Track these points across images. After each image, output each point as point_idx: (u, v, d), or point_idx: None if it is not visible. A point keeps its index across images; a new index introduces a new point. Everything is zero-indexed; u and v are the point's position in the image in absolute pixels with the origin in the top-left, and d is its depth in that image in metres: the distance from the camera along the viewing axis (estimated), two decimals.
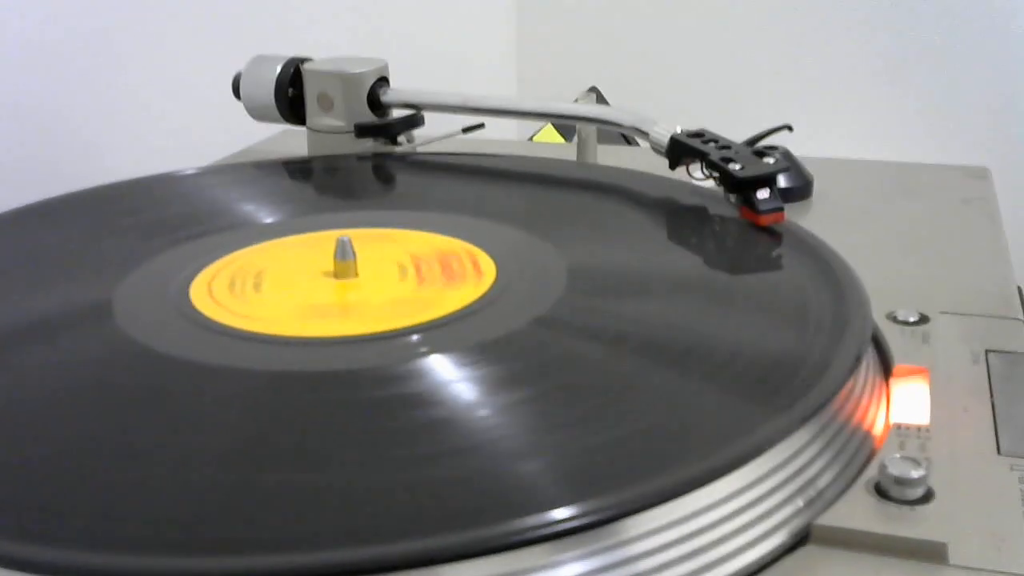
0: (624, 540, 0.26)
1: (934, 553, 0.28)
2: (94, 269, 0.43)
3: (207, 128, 0.77)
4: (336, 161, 0.59)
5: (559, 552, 0.25)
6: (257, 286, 0.41)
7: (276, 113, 0.62)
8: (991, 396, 0.35)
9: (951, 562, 0.27)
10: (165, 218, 0.49)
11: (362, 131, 0.60)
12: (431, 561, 0.24)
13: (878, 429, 0.33)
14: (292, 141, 0.70)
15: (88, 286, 0.41)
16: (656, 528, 0.26)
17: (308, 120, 0.62)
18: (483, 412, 0.31)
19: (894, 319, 0.40)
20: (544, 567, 0.25)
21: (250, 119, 0.64)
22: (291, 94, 0.61)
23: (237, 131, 0.69)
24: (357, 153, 0.59)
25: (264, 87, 0.61)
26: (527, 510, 0.26)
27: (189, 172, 0.56)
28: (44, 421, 0.32)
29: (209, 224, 0.48)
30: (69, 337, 0.37)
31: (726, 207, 0.47)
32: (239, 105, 0.63)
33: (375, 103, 0.60)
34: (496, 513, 0.26)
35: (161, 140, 0.76)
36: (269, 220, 0.50)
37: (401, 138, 0.62)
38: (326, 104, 0.60)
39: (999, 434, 0.33)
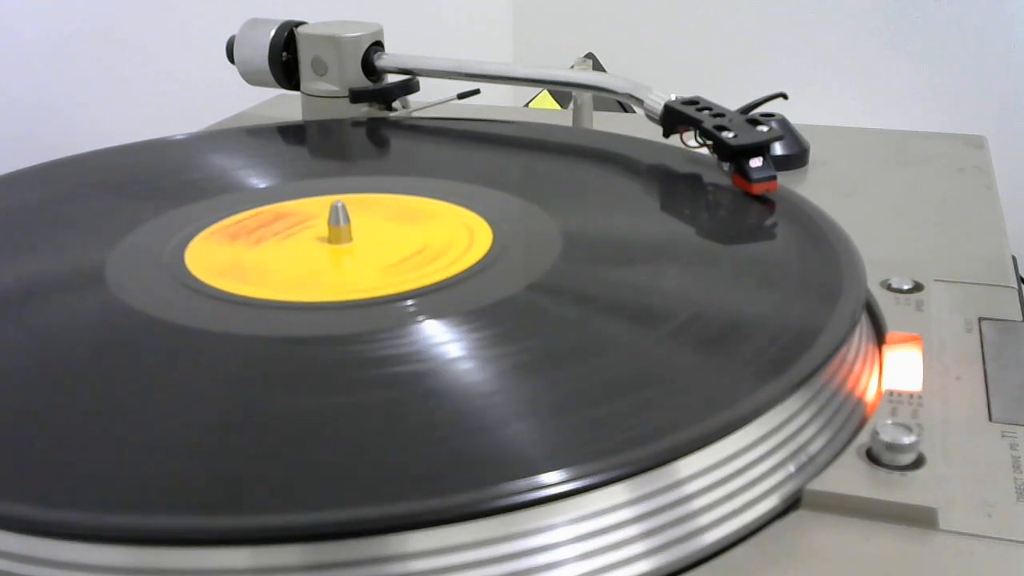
0: (615, 505, 0.26)
1: (924, 518, 0.28)
2: (87, 234, 0.43)
3: (200, 92, 0.76)
4: (330, 126, 0.58)
5: (550, 516, 0.25)
6: (251, 251, 0.41)
7: (270, 77, 0.61)
8: (984, 364, 0.36)
9: (941, 527, 0.28)
10: (158, 184, 0.49)
11: (357, 96, 0.59)
12: (423, 524, 0.24)
13: (870, 396, 0.33)
14: (286, 105, 0.70)
15: (81, 251, 0.41)
16: (647, 493, 0.26)
17: (302, 85, 0.61)
18: (477, 377, 0.31)
19: (888, 287, 0.40)
20: (535, 531, 0.25)
21: (244, 83, 0.64)
22: (285, 58, 0.61)
23: (231, 95, 0.69)
24: (352, 118, 0.59)
25: (258, 51, 0.61)
26: (516, 474, 0.26)
27: (180, 137, 0.56)
28: (42, 386, 0.32)
29: (203, 189, 0.48)
30: (62, 302, 0.37)
31: (721, 174, 0.46)
32: (233, 69, 0.63)
33: (370, 68, 0.60)
34: (484, 478, 0.26)
35: (154, 104, 0.75)
36: (263, 185, 0.49)
37: (396, 103, 0.61)
38: (320, 69, 0.60)
39: (991, 401, 0.33)
